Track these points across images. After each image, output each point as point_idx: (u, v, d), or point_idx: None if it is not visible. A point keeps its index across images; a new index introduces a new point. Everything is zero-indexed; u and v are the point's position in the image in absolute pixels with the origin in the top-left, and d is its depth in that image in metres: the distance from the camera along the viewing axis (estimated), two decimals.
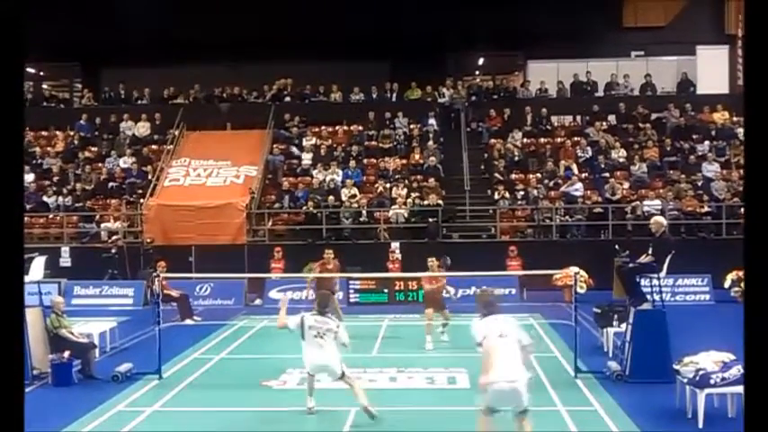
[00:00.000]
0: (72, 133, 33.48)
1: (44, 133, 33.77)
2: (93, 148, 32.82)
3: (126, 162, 31.40)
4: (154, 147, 32.47)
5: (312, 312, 12.04)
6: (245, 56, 34.21)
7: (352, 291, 24.43)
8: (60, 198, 29.74)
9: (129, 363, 14.77)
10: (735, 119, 31.99)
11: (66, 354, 14.30)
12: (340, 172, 30.09)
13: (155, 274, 17.46)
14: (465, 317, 20.68)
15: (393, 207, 28.24)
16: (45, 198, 29.66)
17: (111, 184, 30.58)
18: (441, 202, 28.34)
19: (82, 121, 33.65)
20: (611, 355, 15.62)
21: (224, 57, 34.47)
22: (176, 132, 32.26)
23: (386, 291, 24.27)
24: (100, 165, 31.64)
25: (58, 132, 33.81)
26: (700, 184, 28.90)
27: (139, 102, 34.93)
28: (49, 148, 32.79)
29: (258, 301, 24.87)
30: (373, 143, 32.44)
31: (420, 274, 18.90)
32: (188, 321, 21.45)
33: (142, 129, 33.38)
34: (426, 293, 18.64)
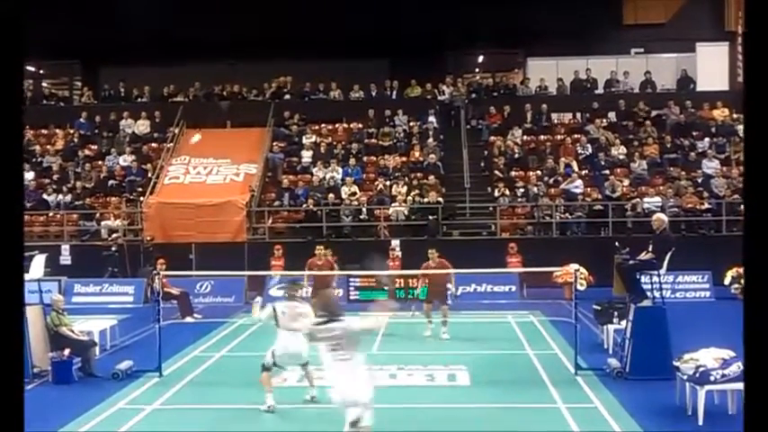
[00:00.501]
0: (72, 131, 33.50)
1: (44, 131, 33.80)
2: (92, 147, 32.83)
3: (126, 160, 31.40)
4: (154, 145, 32.49)
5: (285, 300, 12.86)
6: (245, 54, 34.19)
7: (352, 288, 24.43)
8: (60, 196, 29.75)
9: (130, 360, 14.77)
10: (735, 116, 31.98)
11: (67, 352, 14.31)
12: (340, 170, 30.11)
13: (155, 271, 17.50)
14: (465, 314, 20.83)
15: (393, 205, 28.25)
16: (45, 196, 29.67)
17: (111, 182, 30.59)
18: (441, 199, 28.36)
19: (82, 120, 33.65)
20: (611, 352, 15.63)
21: (224, 55, 34.46)
22: (176, 130, 32.25)
23: (386, 288, 24.25)
24: (100, 163, 31.65)
25: (57, 130, 33.82)
26: (700, 180, 28.92)
27: (139, 100, 34.93)
28: (48, 147, 32.79)
29: (258, 299, 24.79)
30: (373, 141, 32.43)
31: (426, 271, 18.89)
32: (188, 319, 21.45)
33: (142, 127, 33.39)
34: (430, 285, 18.69)
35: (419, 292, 19.45)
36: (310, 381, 12.62)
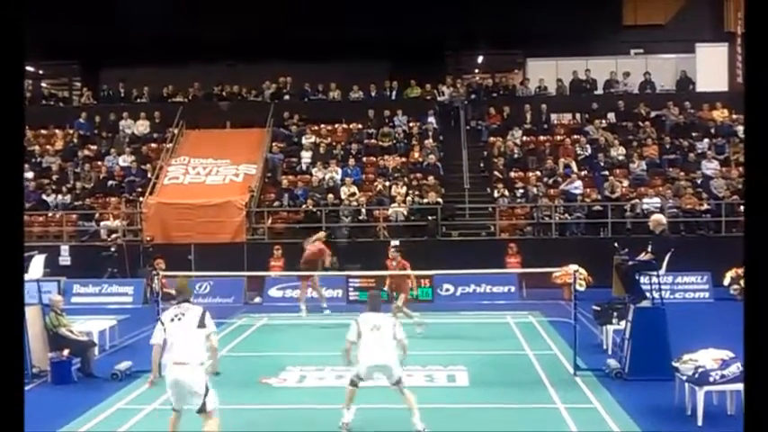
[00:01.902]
0: (71, 132, 33.49)
1: (43, 132, 33.78)
2: (92, 147, 32.82)
3: (125, 160, 31.41)
4: (153, 145, 32.50)
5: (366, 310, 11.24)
6: (245, 54, 34.23)
7: (351, 288, 24.45)
8: (59, 196, 29.75)
9: (129, 361, 14.78)
10: (734, 116, 31.99)
11: (66, 352, 14.32)
12: (339, 170, 30.11)
13: (154, 272, 17.49)
14: (465, 314, 20.83)
15: (392, 205, 28.25)
16: (44, 196, 29.68)
17: (110, 182, 30.60)
18: (440, 200, 28.36)
19: (81, 120, 33.64)
20: (610, 352, 15.65)
21: (223, 55, 34.49)
22: (176, 131, 32.26)
23: (385, 288, 24.24)
24: (99, 163, 31.65)
25: (57, 131, 33.82)
26: (699, 181, 28.92)
27: (139, 100, 34.93)
28: (48, 147, 32.79)
29: (258, 299, 24.89)
30: (372, 141, 32.43)
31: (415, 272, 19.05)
32: None
33: (141, 127, 33.39)
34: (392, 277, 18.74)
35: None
36: (410, 407, 10.69)
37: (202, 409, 9.29)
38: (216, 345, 9.54)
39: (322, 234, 21.99)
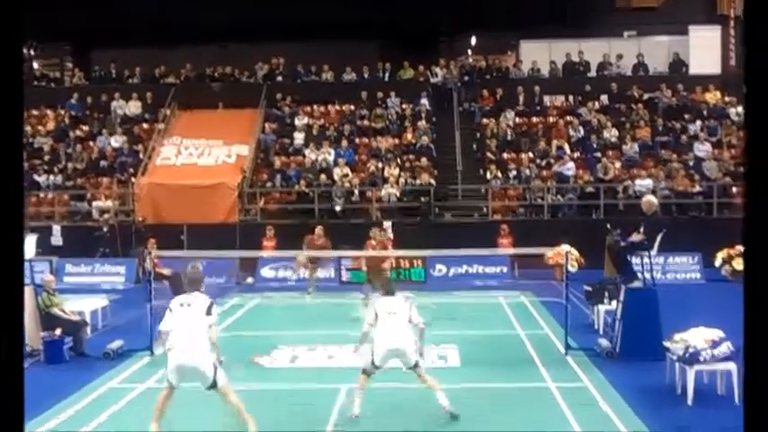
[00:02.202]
0: (63, 112, 33.38)
1: (35, 112, 33.62)
2: (84, 127, 32.71)
3: (117, 141, 31.33)
4: (145, 126, 32.43)
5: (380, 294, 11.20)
6: (237, 35, 34.08)
7: (343, 269, 24.47)
8: (51, 177, 29.68)
9: (121, 340, 14.79)
10: (727, 99, 32.08)
11: (58, 331, 14.32)
12: (332, 151, 30.06)
13: (146, 252, 17.47)
14: (457, 295, 20.89)
15: (385, 186, 28.25)
16: (36, 177, 29.59)
17: (102, 162, 30.53)
18: (433, 181, 28.37)
19: (73, 101, 33.52)
20: (601, 332, 15.71)
21: (216, 36, 34.34)
22: (168, 112, 32.16)
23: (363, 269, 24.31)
24: (91, 144, 31.58)
25: (48, 111, 33.68)
26: (691, 163, 28.99)
27: (130, 81, 34.81)
28: (39, 127, 32.66)
29: (250, 280, 24.90)
30: (365, 123, 32.38)
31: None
32: None
33: (133, 108, 33.27)
34: (370, 268, 18.71)
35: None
36: (433, 388, 10.57)
37: (213, 386, 9.53)
38: (215, 338, 9.61)
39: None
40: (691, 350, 11.03)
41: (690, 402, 10.86)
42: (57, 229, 27.25)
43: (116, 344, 14.56)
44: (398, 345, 10.35)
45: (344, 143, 30.48)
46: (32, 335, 14.46)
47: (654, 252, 14.25)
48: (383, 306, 10.70)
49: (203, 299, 9.71)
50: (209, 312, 9.54)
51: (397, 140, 31.03)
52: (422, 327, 10.59)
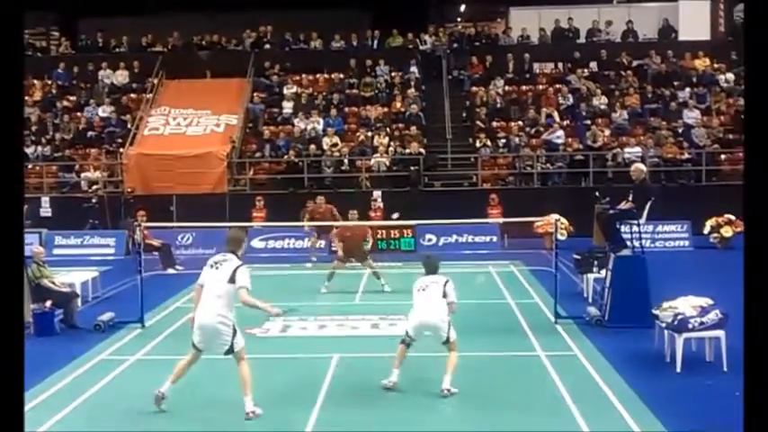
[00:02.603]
0: (50, 82, 33.13)
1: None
2: (71, 98, 32.52)
3: (105, 111, 31.17)
4: (133, 95, 32.22)
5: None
6: (224, 3, 33.80)
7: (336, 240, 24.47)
8: (39, 148, 29.52)
9: (112, 312, 14.77)
10: (716, 65, 32.12)
11: (48, 303, 14.28)
12: (321, 121, 29.98)
13: (136, 223, 17.46)
14: (447, 264, 20.89)
15: (375, 156, 28.22)
16: (24, 148, 29.40)
17: (90, 133, 30.38)
18: (422, 150, 28.33)
19: (59, 70, 33.30)
20: (590, 300, 15.78)
21: (202, 4, 34.04)
22: (155, 81, 31.94)
23: (368, 239, 24.33)
24: (78, 114, 31.41)
25: (35, 81, 33.37)
26: (680, 130, 29.02)
27: (117, 50, 34.51)
28: (26, 98, 32.37)
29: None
30: (354, 91, 32.26)
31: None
32: (170, 271, 21.46)
33: (120, 77, 33.05)
34: (345, 242, 18.60)
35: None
36: (450, 363, 10.42)
37: (230, 351, 9.54)
38: (247, 299, 9.49)
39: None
40: (679, 318, 11.09)
41: (678, 369, 10.93)
42: (45, 200, 27.18)
43: (107, 316, 14.54)
44: (427, 319, 10.36)
45: (333, 112, 30.38)
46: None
47: (643, 220, 14.28)
48: (418, 282, 10.72)
49: (233, 262, 9.59)
50: (233, 276, 9.43)
51: (386, 109, 30.94)
52: (453, 304, 10.47)
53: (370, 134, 29.31)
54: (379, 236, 24.09)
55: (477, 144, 28.90)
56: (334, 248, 19.26)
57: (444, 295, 10.45)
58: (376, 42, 34.22)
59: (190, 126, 29.98)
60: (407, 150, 28.21)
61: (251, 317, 14.97)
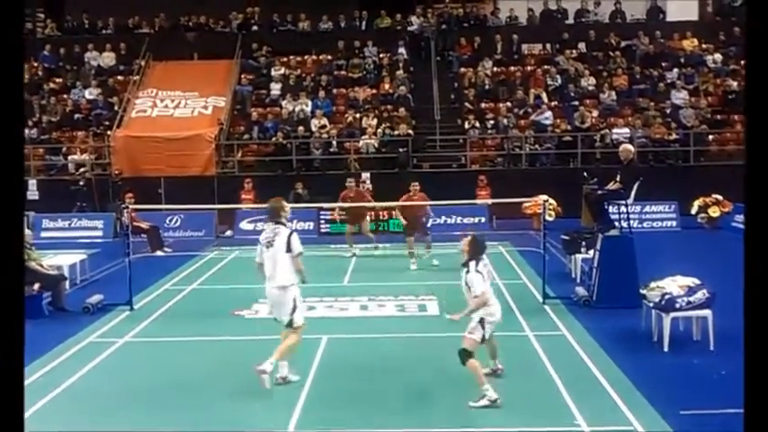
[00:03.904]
0: (36, 64, 32.84)
1: None
2: (57, 80, 32.31)
3: (92, 93, 31.00)
4: (120, 77, 32.03)
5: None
6: None
7: (322, 221, 24.50)
8: (26, 130, 29.30)
9: (100, 294, 14.77)
10: (704, 46, 32.09)
11: (36, 286, 14.24)
12: (309, 102, 29.88)
13: (123, 206, 17.42)
14: (435, 246, 20.97)
15: (363, 137, 28.18)
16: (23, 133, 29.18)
17: (77, 115, 30.22)
18: (411, 131, 28.30)
19: (46, 52, 33.06)
20: (578, 281, 15.85)
21: None
22: (142, 63, 31.77)
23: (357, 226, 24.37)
24: (65, 96, 31.23)
25: None
26: (668, 111, 29.06)
27: (104, 31, 34.27)
28: None
29: (229, 233, 24.87)
30: (342, 73, 32.16)
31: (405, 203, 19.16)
32: (158, 253, 21.45)
33: (107, 59, 32.85)
34: (408, 219, 18.81)
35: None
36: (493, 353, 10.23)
37: (290, 325, 9.98)
38: (301, 266, 10.02)
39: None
40: (667, 297, 11.15)
41: (666, 349, 11.01)
42: (32, 183, 27.03)
43: (95, 298, 14.53)
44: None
45: (322, 94, 30.28)
46: None
47: (630, 200, 14.35)
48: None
49: (284, 233, 10.01)
50: (289, 245, 9.89)
51: (374, 90, 30.87)
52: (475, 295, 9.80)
53: (358, 116, 29.26)
54: (370, 217, 24.10)
55: (466, 125, 28.87)
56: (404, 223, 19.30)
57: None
58: (364, 23, 34.08)
59: (177, 108, 29.86)
60: (396, 132, 28.17)
61: (239, 299, 15.08)
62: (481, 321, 9.47)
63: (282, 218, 10.24)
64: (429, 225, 19.79)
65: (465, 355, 9.27)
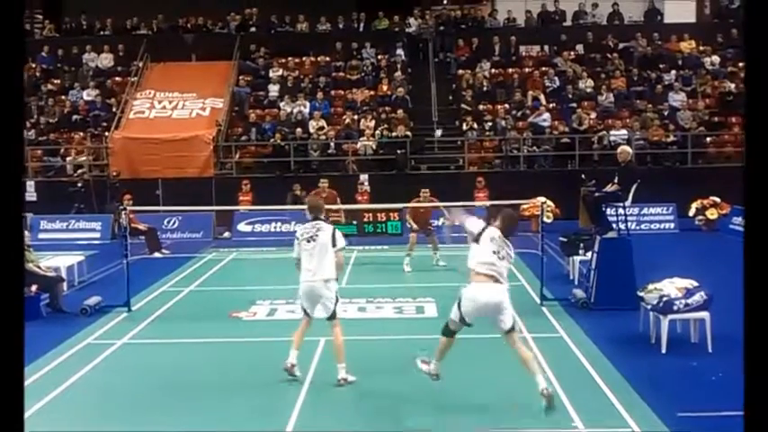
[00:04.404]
0: (34, 66, 32.81)
1: None
2: (55, 81, 32.30)
3: (90, 95, 30.99)
4: (118, 79, 32.04)
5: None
6: None
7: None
8: (24, 132, 29.30)
9: (98, 296, 14.75)
10: (701, 48, 32.11)
11: (34, 288, 14.22)
12: (307, 104, 29.89)
13: (121, 207, 17.41)
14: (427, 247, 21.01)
15: (361, 139, 28.18)
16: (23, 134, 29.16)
17: (74, 117, 30.21)
18: (409, 133, 28.29)
19: (43, 54, 33.04)
20: (576, 283, 15.84)
21: None
22: (140, 64, 31.76)
23: (354, 223, 24.29)
24: (63, 97, 31.20)
25: None
26: (666, 113, 29.07)
27: (102, 33, 34.27)
28: None
29: (227, 234, 24.87)
30: (341, 74, 32.18)
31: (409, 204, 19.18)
32: (156, 254, 21.43)
33: (105, 60, 32.85)
34: (416, 216, 18.80)
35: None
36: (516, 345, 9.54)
37: (332, 317, 10.13)
38: (342, 261, 10.37)
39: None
40: (665, 299, 11.15)
41: (664, 351, 11.01)
42: (30, 184, 26.99)
43: (93, 300, 14.51)
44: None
45: (320, 95, 30.29)
46: None
47: (628, 202, 14.36)
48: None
49: (327, 229, 10.15)
50: (333, 240, 10.04)
51: (372, 92, 30.88)
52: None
53: (356, 117, 29.25)
54: (365, 219, 24.05)
55: (464, 127, 28.87)
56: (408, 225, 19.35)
57: None
58: (362, 25, 34.10)
59: (175, 109, 29.87)
60: (394, 133, 28.16)
61: (237, 301, 15.09)
62: (458, 300, 9.40)
63: (323, 213, 10.46)
64: (438, 224, 19.82)
65: (444, 329, 9.57)
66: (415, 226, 19.00)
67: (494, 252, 9.22)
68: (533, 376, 9.05)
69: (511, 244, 9.51)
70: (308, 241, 10.01)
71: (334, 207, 20.11)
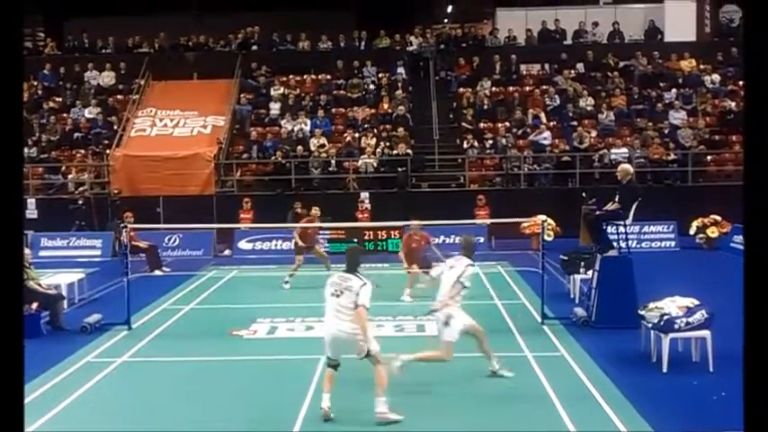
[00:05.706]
0: (36, 83, 32.91)
1: None
2: (57, 99, 32.37)
3: (91, 112, 31.05)
4: (119, 97, 32.10)
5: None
6: (211, 4, 33.71)
7: (322, 240, 24.44)
8: (25, 149, 29.33)
9: (98, 314, 14.73)
10: (702, 66, 32.19)
11: (35, 305, 14.22)
12: (308, 122, 29.94)
13: (122, 225, 17.40)
14: (434, 266, 20.90)
15: (362, 157, 28.21)
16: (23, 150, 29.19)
17: (76, 134, 30.25)
18: (410, 151, 28.33)
19: (45, 71, 33.13)
20: (577, 301, 15.82)
21: (189, 5, 33.95)
22: (142, 82, 31.84)
23: (355, 240, 24.34)
24: (65, 115, 31.28)
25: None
26: (666, 131, 29.10)
27: (104, 51, 34.38)
28: None
29: (227, 252, 24.86)
30: (342, 92, 32.24)
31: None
32: (157, 272, 21.41)
33: (107, 78, 32.93)
34: (409, 251, 18.35)
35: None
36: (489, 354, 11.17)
37: (368, 354, 9.58)
38: (363, 318, 9.49)
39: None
40: (666, 318, 11.13)
41: (665, 369, 10.99)
42: (31, 202, 27.00)
43: (93, 317, 14.49)
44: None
45: (321, 113, 30.35)
46: None
47: (629, 221, 14.34)
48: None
49: (356, 284, 9.58)
50: (357, 298, 9.48)
51: (373, 110, 30.93)
52: None
53: (357, 135, 29.30)
54: (366, 237, 24.11)
55: (465, 145, 28.91)
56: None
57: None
58: (363, 43, 34.20)
59: (177, 127, 29.92)
60: (395, 151, 28.20)
61: (237, 319, 15.07)
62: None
63: (359, 269, 9.88)
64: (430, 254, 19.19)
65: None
66: (406, 265, 18.14)
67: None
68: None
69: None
70: (332, 296, 9.61)
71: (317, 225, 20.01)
